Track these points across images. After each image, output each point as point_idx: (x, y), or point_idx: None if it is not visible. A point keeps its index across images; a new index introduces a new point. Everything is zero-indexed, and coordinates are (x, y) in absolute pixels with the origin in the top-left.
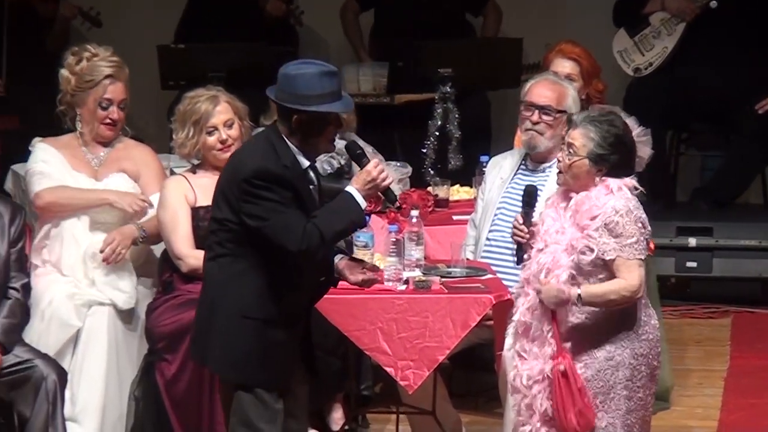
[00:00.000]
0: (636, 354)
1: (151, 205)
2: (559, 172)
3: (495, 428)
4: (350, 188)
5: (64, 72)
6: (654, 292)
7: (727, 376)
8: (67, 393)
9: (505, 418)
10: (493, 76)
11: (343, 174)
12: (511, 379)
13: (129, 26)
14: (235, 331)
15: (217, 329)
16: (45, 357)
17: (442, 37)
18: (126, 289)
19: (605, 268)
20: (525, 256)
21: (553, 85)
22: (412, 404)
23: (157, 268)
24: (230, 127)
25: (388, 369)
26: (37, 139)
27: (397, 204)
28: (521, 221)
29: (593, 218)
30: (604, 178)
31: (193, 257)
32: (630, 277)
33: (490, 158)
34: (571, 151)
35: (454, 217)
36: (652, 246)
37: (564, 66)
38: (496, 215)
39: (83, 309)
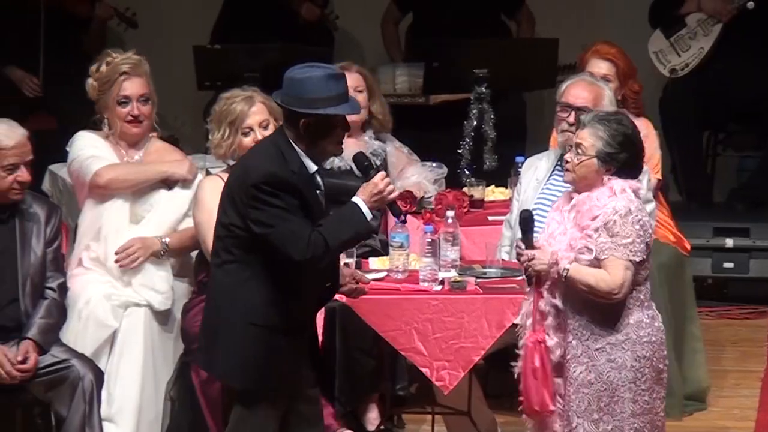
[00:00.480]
0: (638, 356)
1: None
2: (566, 171)
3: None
4: (356, 199)
5: (89, 81)
6: (690, 292)
7: (765, 377)
8: (104, 393)
9: None
10: (529, 77)
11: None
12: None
13: (165, 27)
14: (240, 338)
15: (223, 336)
16: (82, 357)
17: (478, 38)
18: (162, 290)
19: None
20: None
21: (590, 86)
22: (447, 405)
23: (193, 268)
24: (266, 127)
25: (423, 369)
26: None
27: (402, 218)
28: (523, 247)
29: (594, 218)
30: (610, 178)
31: None
32: (613, 273)
33: (525, 159)
34: (579, 150)
35: (490, 218)
36: (687, 246)
37: (600, 67)
38: None
39: (120, 310)
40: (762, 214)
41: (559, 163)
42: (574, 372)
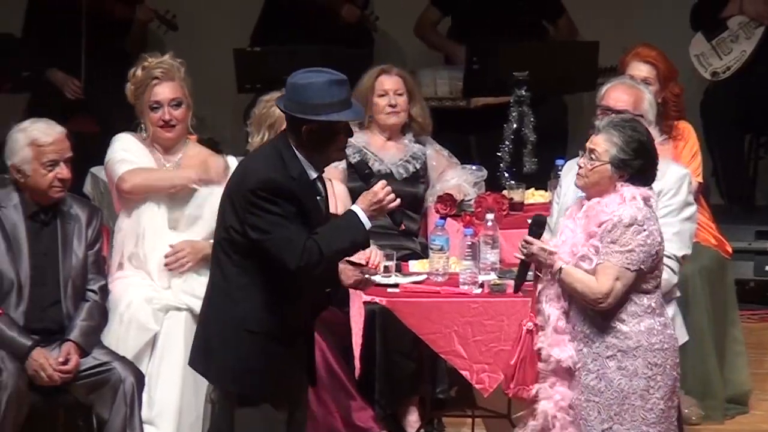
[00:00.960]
0: (650, 364)
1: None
2: (579, 176)
3: None
4: (355, 207)
5: (127, 85)
6: (732, 295)
7: None
8: (145, 396)
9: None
10: (569, 80)
11: (418, 178)
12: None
13: (205, 29)
14: (236, 344)
15: (218, 341)
16: (123, 360)
17: (519, 41)
18: (202, 295)
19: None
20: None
21: (630, 89)
22: (487, 407)
23: None
24: None
25: (463, 372)
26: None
27: (402, 227)
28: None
29: (600, 224)
30: (623, 184)
31: None
32: (601, 281)
33: (565, 162)
34: (593, 156)
35: (529, 221)
36: (729, 249)
37: (640, 69)
38: None
39: (160, 313)
40: None
41: None
42: (585, 380)
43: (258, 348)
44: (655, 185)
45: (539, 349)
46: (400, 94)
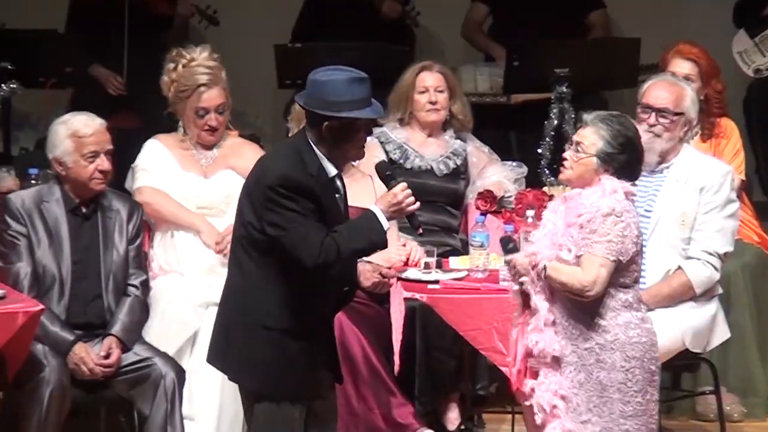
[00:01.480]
0: (628, 356)
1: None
2: (563, 168)
3: None
4: (374, 207)
5: (164, 77)
6: None
7: None
8: (185, 391)
9: None
10: (610, 77)
11: (459, 174)
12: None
13: (246, 25)
14: (254, 340)
15: (236, 338)
16: (164, 355)
17: (559, 37)
18: None
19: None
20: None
21: (671, 87)
22: None
23: None
24: None
25: (503, 369)
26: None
27: (420, 231)
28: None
29: (579, 216)
30: (607, 177)
31: None
32: (586, 271)
33: None
34: (579, 149)
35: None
36: None
37: (682, 66)
38: None
39: (201, 309)
40: None
41: None
42: (565, 371)
43: (275, 345)
44: (698, 182)
45: (535, 343)
46: (440, 91)
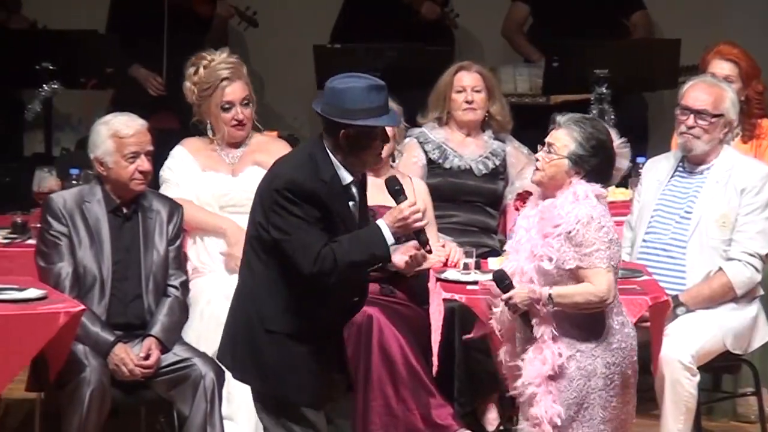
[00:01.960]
0: (608, 363)
1: None
2: (536, 169)
3: (652, 430)
4: (380, 222)
5: (186, 84)
6: None
7: None
8: (224, 392)
9: (662, 419)
10: (650, 78)
11: (498, 175)
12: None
13: (285, 26)
14: (258, 342)
15: (242, 337)
16: (203, 356)
17: (599, 38)
18: None
19: (572, 277)
20: (534, 321)
21: (710, 88)
22: None
23: None
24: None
25: None
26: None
27: (428, 248)
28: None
29: (555, 226)
30: (578, 181)
31: None
32: (597, 283)
33: (646, 160)
34: (551, 150)
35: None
36: None
37: (722, 68)
38: (652, 217)
39: None
40: None
41: (680, 164)
42: (556, 377)
43: (278, 348)
44: (738, 183)
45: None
46: (477, 91)
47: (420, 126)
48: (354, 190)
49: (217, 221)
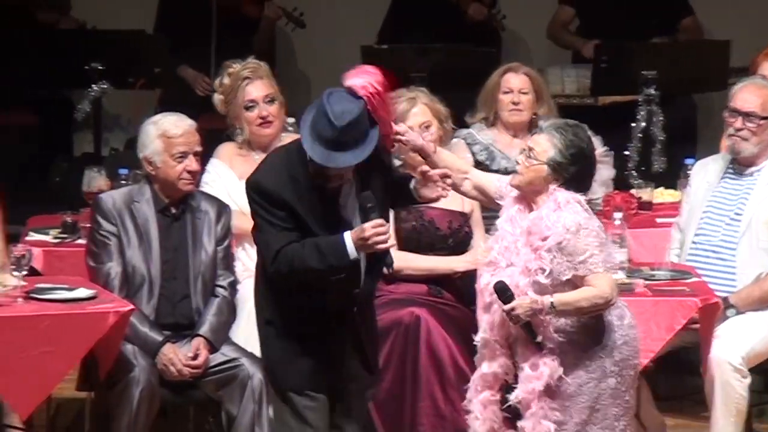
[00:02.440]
0: (616, 361)
1: None
2: (516, 173)
3: None
4: (347, 234)
5: (215, 96)
6: None
7: None
8: None
9: (712, 422)
10: (699, 79)
11: None
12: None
13: (333, 27)
14: (261, 335)
15: (258, 329)
16: (251, 356)
17: (648, 39)
18: None
19: (568, 284)
20: (539, 338)
21: (760, 90)
22: None
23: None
24: (426, 129)
25: None
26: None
27: (390, 270)
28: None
29: (544, 239)
30: (556, 189)
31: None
32: (599, 285)
33: (695, 161)
34: (531, 155)
35: (658, 220)
36: None
37: None
38: (702, 219)
39: None
40: None
41: (730, 166)
42: (559, 387)
43: (278, 341)
44: None
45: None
46: (524, 93)
47: (467, 126)
48: (348, 187)
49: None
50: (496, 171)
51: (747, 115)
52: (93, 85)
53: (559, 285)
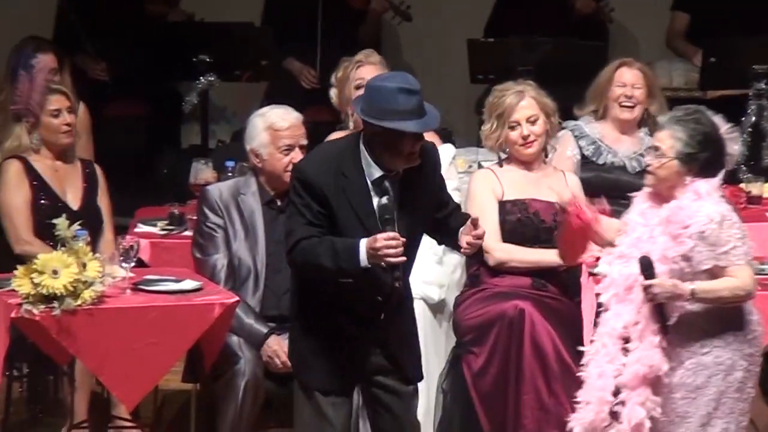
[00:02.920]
0: (745, 355)
1: None
2: (648, 173)
3: None
4: (362, 241)
5: (331, 90)
6: None
7: None
8: None
9: None
10: None
11: None
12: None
13: (439, 20)
14: (291, 330)
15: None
16: None
17: (758, 34)
18: (435, 282)
19: (705, 274)
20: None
21: None
22: None
23: (465, 261)
24: (533, 123)
25: None
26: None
27: (397, 285)
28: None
29: (685, 227)
30: (693, 179)
31: (499, 250)
32: (741, 277)
33: None
34: (658, 153)
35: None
36: None
37: None
38: None
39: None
40: None
41: None
42: (682, 378)
43: (303, 337)
44: None
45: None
46: (638, 88)
47: (575, 118)
48: (388, 184)
49: None
50: (602, 165)
51: None
52: (201, 78)
53: (697, 273)
